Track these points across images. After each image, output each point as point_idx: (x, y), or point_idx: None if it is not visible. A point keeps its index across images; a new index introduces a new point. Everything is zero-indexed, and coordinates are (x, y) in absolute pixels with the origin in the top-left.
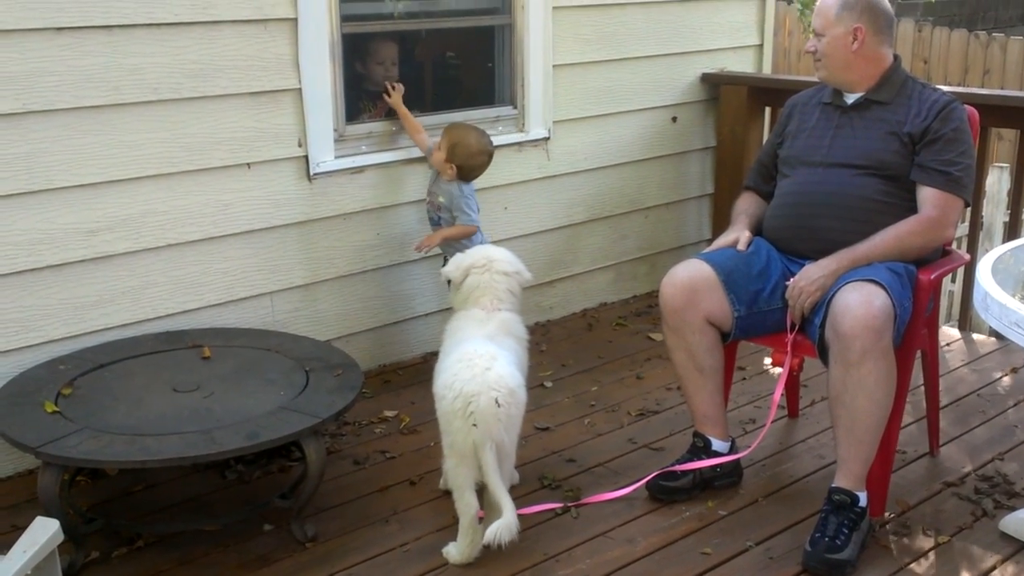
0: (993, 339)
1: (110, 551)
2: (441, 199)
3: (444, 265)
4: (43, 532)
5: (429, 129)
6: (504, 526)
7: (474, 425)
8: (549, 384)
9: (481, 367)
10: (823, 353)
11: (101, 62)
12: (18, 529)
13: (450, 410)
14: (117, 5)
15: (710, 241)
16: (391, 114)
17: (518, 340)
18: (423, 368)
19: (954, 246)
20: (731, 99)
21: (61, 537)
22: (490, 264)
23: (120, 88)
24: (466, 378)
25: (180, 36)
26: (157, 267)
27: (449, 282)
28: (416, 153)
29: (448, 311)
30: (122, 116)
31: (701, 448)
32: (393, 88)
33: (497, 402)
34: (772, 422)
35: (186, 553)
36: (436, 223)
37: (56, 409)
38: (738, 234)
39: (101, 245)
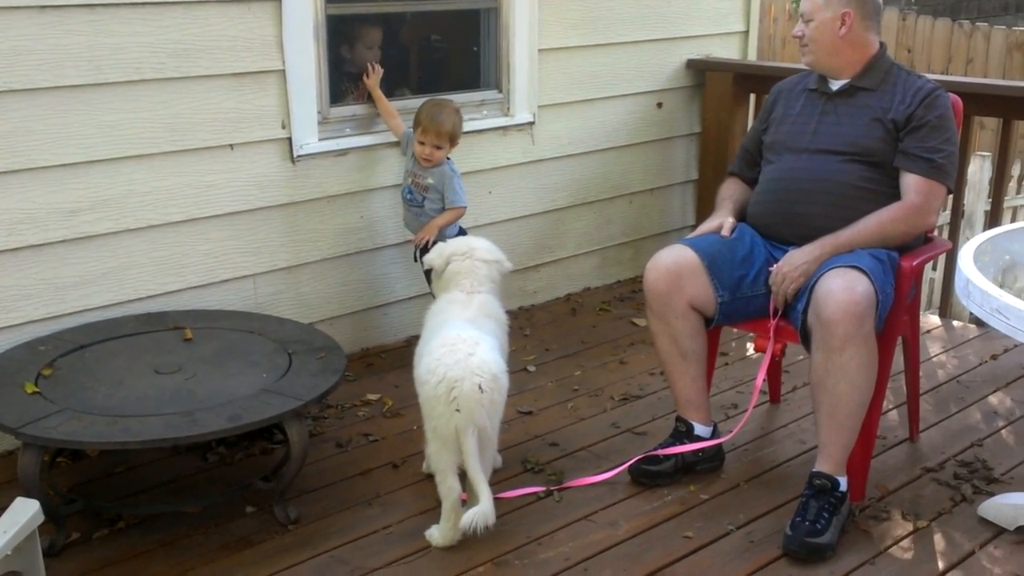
0: (973, 326)
1: (91, 532)
2: (430, 180)
3: (416, 249)
4: (23, 513)
5: (414, 112)
6: (480, 513)
7: (457, 410)
8: (532, 368)
9: (464, 352)
10: (805, 339)
11: (83, 41)
12: None
13: (433, 395)
14: None
15: (694, 227)
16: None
17: (498, 322)
18: (406, 352)
19: (936, 234)
20: (716, 85)
21: (41, 518)
22: (471, 252)
23: (102, 67)
24: (449, 363)
25: (163, 15)
26: (139, 248)
27: (429, 272)
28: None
29: (431, 295)
30: (104, 95)
31: (683, 433)
32: (372, 69)
33: (480, 388)
34: (754, 407)
35: (167, 535)
36: (418, 204)
37: (36, 390)
38: (722, 220)
39: (82, 225)
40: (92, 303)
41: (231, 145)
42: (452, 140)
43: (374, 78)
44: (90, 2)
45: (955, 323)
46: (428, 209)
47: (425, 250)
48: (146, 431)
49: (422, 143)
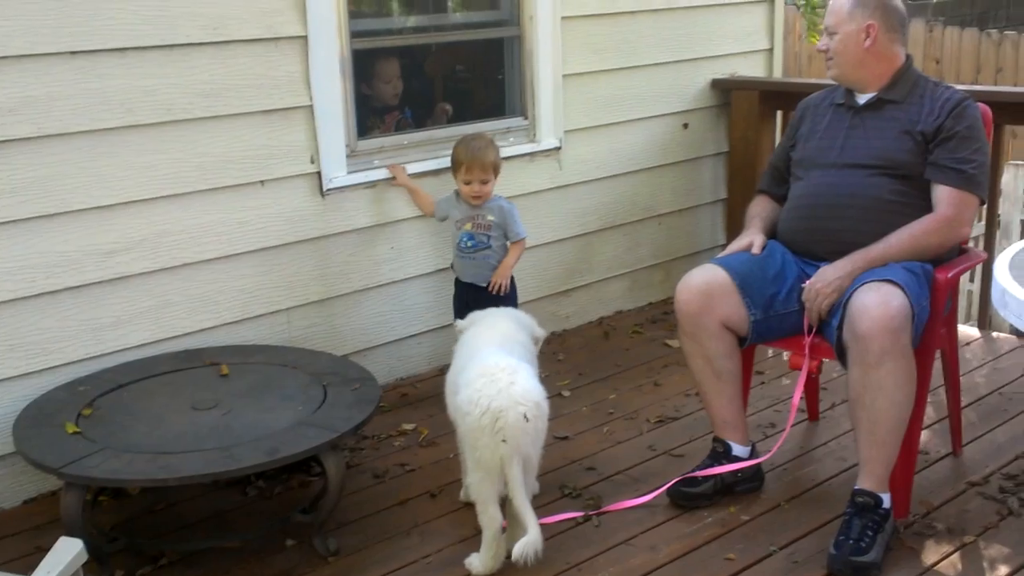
0: (1013, 337)
1: (134, 570)
2: (491, 217)
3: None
4: (67, 552)
5: (441, 143)
6: (529, 543)
7: (503, 441)
8: (567, 393)
9: (505, 381)
10: (841, 355)
11: (115, 84)
12: (42, 550)
13: (477, 426)
14: (130, 28)
15: (724, 246)
16: (400, 128)
17: (524, 346)
18: (440, 381)
19: (971, 245)
20: (742, 104)
21: (85, 557)
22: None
23: (134, 110)
24: (492, 393)
25: (192, 57)
26: (174, 286)
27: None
28: (428, 167)
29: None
30: (137, 137)
31: (721, 453)
32: (397, 170)
33: (525, 417)
34: (792, 426)
35: (209, 570)
36: (485, 246)
37: (77, 430)
38: (752, 238)
39: (118, 266)
40: (129, 342)
41: (262, 181)
42: (496, 171)
43: (402, 175)
44: (121, 46)
45: (994, 335)
46: (495, 248)
47: (497, 295)
48: (185, 468)
49: (468, 182)
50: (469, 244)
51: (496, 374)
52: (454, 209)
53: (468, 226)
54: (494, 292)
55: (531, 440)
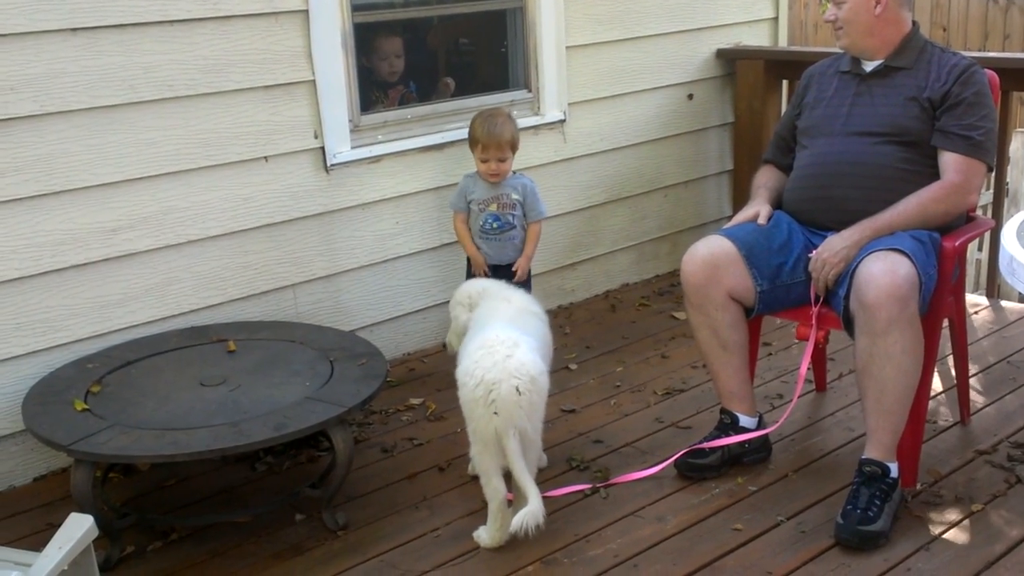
0: (1022, 305)
1: (145, 545)
2: (515, 196)
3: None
4: (77, 528)
5: (445, 116)
6: (529, 513)
7: (495, 413)
8: (574, 366)
9: (502, 354)
10: (848, 325)
11: (116, 61)
12: (53, 527)
13: (471, 398)
14: (130, 4)
15: (731, 218)
16: (404, 102)
17: (540, 318)
18: (447, 355)
19: (979, 212)
20: (747, 74)
21: (96, 533)
22: (486, 288)
23: (136, 86)
24: (487, 366)
25: (193, 32)
26: (179, 263)
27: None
28: (432, 141)
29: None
30: (139, 114)
31: (728, 425)
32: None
33: (518, 390)
34: (799, 396)
35: (219, 545)
36: (511, 226)
37: (86, 407)
38: (758, 208)
39: (123, 243)
40: (136, 319)
41: (265, 157)
42: (514, 147)
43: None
44: (121, 22)
45: (1003, 303)
46: (519, 227)
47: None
48: (194, 443)
49: (485, 160)
50: (495, 225)
51: (495, 347)
52: (475, 190)
53: (493, 207)
54: (520, 279)
55: (525, 413)
